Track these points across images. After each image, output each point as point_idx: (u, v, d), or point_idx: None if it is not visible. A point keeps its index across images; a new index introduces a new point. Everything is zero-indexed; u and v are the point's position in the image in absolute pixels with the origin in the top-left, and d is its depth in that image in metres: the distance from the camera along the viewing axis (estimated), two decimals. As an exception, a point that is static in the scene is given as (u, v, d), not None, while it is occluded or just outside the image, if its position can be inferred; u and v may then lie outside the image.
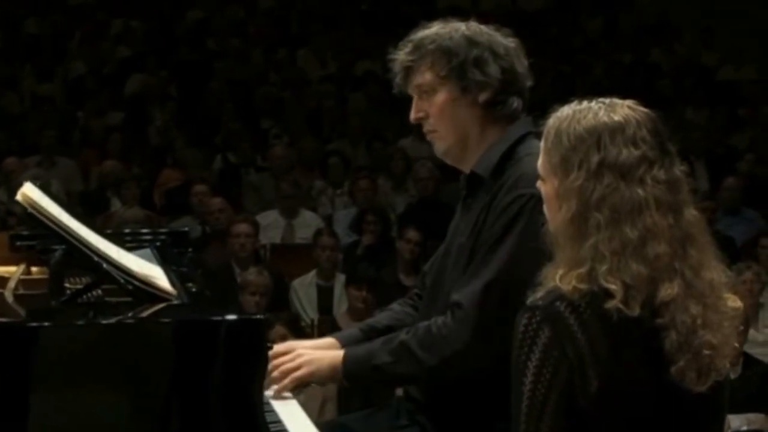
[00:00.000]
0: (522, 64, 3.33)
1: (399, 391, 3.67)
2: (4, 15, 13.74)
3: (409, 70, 3.34)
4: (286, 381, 3.33)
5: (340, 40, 13.98)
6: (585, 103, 2.64)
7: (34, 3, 14.13)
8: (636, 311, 2.48)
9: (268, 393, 3.28)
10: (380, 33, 13.88)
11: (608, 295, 2.49)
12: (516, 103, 3.32)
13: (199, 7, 14.55)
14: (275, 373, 3.33)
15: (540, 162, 2.67)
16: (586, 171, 2.55)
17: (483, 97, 3.29)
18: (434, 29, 3.35)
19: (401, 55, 3.35)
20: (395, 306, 3.65)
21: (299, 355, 3.36)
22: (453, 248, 3.32)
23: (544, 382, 2.50)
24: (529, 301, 2.56)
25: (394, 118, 12.23)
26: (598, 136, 2.57)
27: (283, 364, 3.35)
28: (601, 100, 2.64)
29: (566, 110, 2.64)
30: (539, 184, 2.69)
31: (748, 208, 9.86)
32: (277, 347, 3.40)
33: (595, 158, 2.55)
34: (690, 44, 14.65)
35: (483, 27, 3.35)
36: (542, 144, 2.66)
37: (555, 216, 2.61)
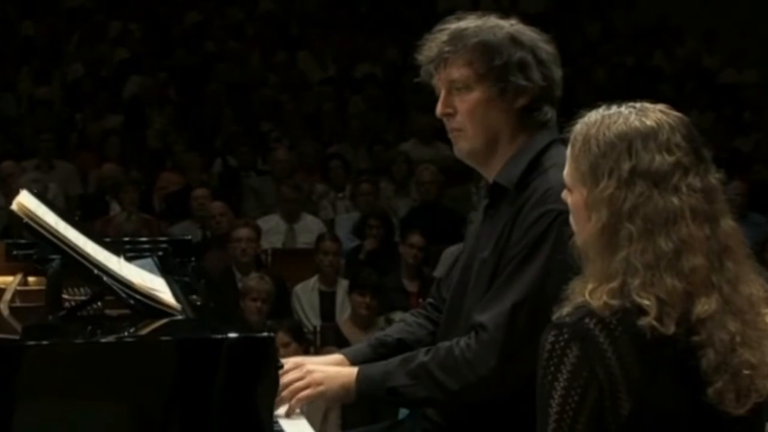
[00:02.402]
0: (558, 73, 3.15)
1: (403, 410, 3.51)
2: (2, 17, 13.65)
3: (443, 62, 3.12)
4: (294, 401, 3.16)
5: (340, 42, 13.90)
6: (614, 108, 2.49)
7: (31, 5, 14.04)
8: (671, 329, 2.34)
9: (278, 411, 3.14)
10: (380, 35, 13.84)
11: (641, 311, 2.35)
12: (550, 113, 3.14)
13: (197, 10, 14.48)
14: (284, 393, 3.15)
15: (566, 170, 2.52)
16: (616, 179, 2.41)
17: (520, 102, 3.11)
18: (474, 21, 3.14)
19: (436, 43, 3.12)
20: (408, 317, 3.48)
21: (309, 372, 3.17)
22: (474, 262, 3.14)
23: (572, 404, 2.36)
24: (556, 317, 2.41)
25: (393, 121, 12.15)
26: (630, 142, 2.43)
27: (291, 382, 3.16)
28: (631, 104, 2.50)
29: (594, 115, 2.50)
30: (565, 194, 2.54)
31: (755, 213, 9.78)
32: (287, 363, 3.21)
33: (626, 165, 2.41)
34: (691, 47, 14.56)
35: (526, 27, 3.16)
36: (569, 151, 2.51)
37: (584, 227, 2.47)
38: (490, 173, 3.18)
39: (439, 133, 3.22)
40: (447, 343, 3.06)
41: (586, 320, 2.37)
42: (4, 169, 10.09)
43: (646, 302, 2.34)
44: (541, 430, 2.40)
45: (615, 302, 2.36)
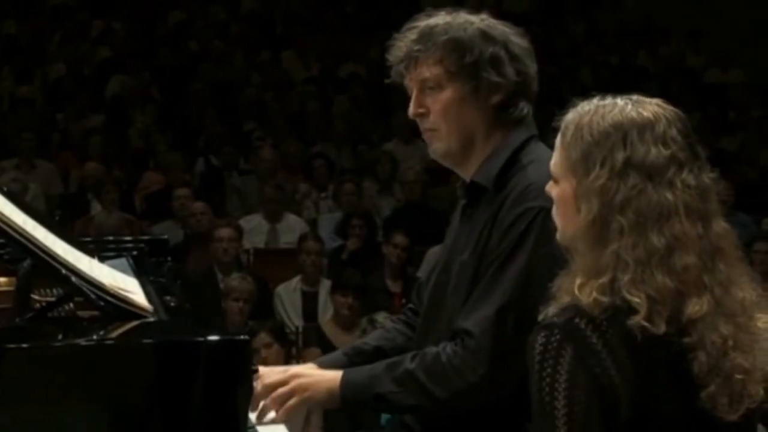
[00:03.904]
0: (533, 68, 3.06)
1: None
2: (-17, 16, 13.57)
3: (413, 61, 3.03)
4: (281, 413, 3.04)
5: (324, 42, 13.83)
6: (609, 98, 2.42)
7: (14, 3, 13.94)
8: (661, 328, 2.27)
9: (253, 417, 3.05)
10: (365, 35, 13.77)
11: (631, 310, 2.28)
12: (526, 108, 3.04)
13: (181, 9, 14.40)
14: (267, 401, 3.04)
15: (555, 160, 2.44)
16: (609, 169, 2.33)
17: (494, 99, 3.01)
18: (444, 18, 3.05)
19: (405, 42, 3.04)
20: (387, 323, 3.39)
21: (293, 377, 3.06)
22: (453, 265, 3.04)
23: (580, 403, 2.27)
24: (542, 318, 2.34)
25: (378, 121, 12.09)
26: (625, 132, 2.35)
27: (274, 386, 3.05)
28: (627, 96, 2.42)
29: (588, 105, 2.42)
30: (550, 186, 2.46)
31: (741, 213, 9.73)
32: (264, 371, 3.12)
33: (620, 156, 2.33)
34: (676, 46, 14.52)
35: (497, 22, 3.07)
36: (558, 140, 2.43)
37: (572, 220, 2.39)
38: (467, 173, 3.09)
39: (422, 133, 3.17)
40: (433, 349, 2.96)
41: (576, 320, 2.30)
42: (-15, 169, 10.02)
43: (636, 300, 2.27)
44: None
45: (604, 299, 2.29)
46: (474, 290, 2.94)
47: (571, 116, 2.42)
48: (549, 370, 2.29)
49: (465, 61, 2.99)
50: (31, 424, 2.57)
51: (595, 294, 2.29)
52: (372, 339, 3.32)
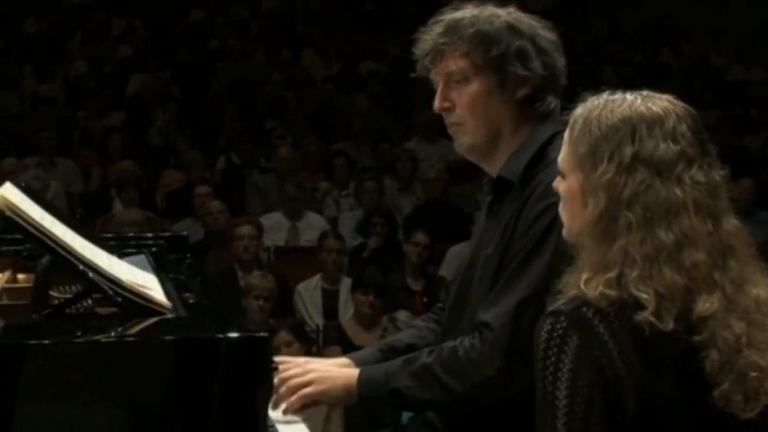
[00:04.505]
0: (561, 61, 3.02)
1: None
2: (4, 14, 13.60)
3: (439, 54, 2.99)
4: (294, 398, 3.01)
5: (344, 40, 13.81)
6: (618, 93, 2.38)
7: (34, 2, 13.96)
8: (669, 325, 2.22)
9: (275, 415, 3.02)
10: (384, 33, 13.75)
11: (639, 305, 2.23)
12: (554, 102, 3.00)
13: (201, 7, 14.41)
14: (283, 389, 3.01)
15: (562, 155, 2.40)
16: (617, 164, 2.29)
17: (521, 93, 2.97)
18: (470, 11, 3.01)
19: (432, 36, 3.00)
20: (418, 322, 3.35)
21: (310, 371, 3.03)
22: (479, 260, 3.01)
23: (582, 395, 2.23)
24: (550, 307, 2.30)
25: (398, 119, 12.06)
26: (633, 127, 2.31)
27: (290, 378, 3.02)
28: (636, 91, 2.38)
29: (596, 100, 2.38)
30: (557, 182, 2.42)
31: (764, 211, 9.67)
32: (284, 359, 3.10)
33: (628, 150, 2.29)
34: (699, 44, 14.45)
35: (524, 15, 3.03)
36: (567, 135, 2.39)
37: (579, 214, 2.35)
38: (493, 168, 3.05)
39: (444, 130, 3.10)
40: (451, 343, 2.93)
41: (584, 309, 2.26)
42: (6, 167, 9.99)
43: (644, 296, 2.23)
44: (545, 426, 2.28)
45: (612, 293, 2.25)
46: (496, 283, 2.91)
47: (579, 110, 2.39)
48: (553, 358, 2.25)
49: (491, 55, 2.96)
50: (49, 421, 2.54)
51: (601, 288, 2.25)
52: (405, 336, 3.29)
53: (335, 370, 3.08)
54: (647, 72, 13.22)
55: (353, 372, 3.02)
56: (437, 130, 10.88)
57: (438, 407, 3.00)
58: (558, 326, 2.26)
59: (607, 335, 2.24)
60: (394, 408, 3.17)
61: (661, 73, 13.32)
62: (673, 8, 14.95)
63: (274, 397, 2.98)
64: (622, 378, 2.23)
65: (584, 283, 2.27)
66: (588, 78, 12.73)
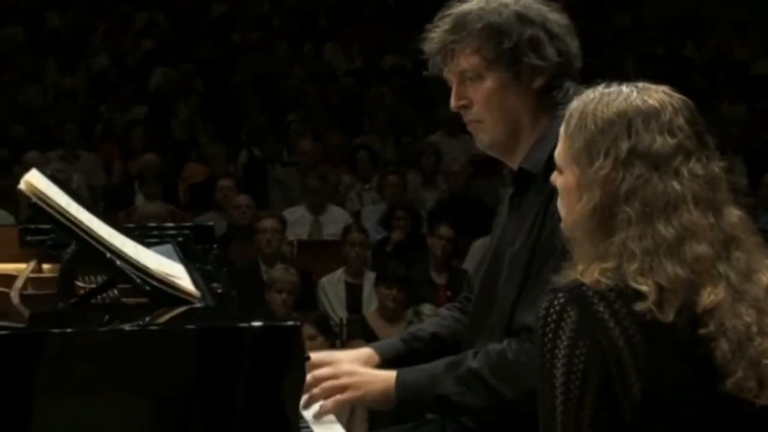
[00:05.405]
0: (575, 44, 2.93)
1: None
2: (27, 8, 13.60)
3: (449, 52, 2.90)
4: (329, 404, 2.93)
5: (367, 33, 13.78)
6: (614, 86, 2.33)
7: (57, -4, 14.00)
8: (669, 317, 2.18)
9: (309, 416, 2.96)
10: (407, 27, 13.69)
11: (637, 295, 2.19)
12: (572, 88, 2.88)
13: (223, 1, 14.39)
14: (316, 390, 2.94)
15: (558, 150, 2.35)
16: (613, 159, 2.25)
17: (537, 83, 2.89)
18: (476, 3, 2.92)
19: (439, 33, 2.91)
20: (443, 311, 3.29)
21: (345, 374, 2.95)
22: (504, 256, 2.92)
23: (578, 372, 2.18)
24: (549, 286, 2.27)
25: (420, 113, 12.03)
26: (629, 120, 2.27)
27: (325, 378, 2.95)
28: (632, 84, 2.33)
29: (592, 93, 2.33)
30: (554, 176, 2.38)
31: (790, 204, 9.61)
32: (316, 357, 3.00)
33: (624, 145, 2.25)
34: (723, 38, 14.36)
35: (532, 1, 2.93)
36: (563, 129, 2.34)
37: (573, 208, 2.30)
38: (515, 161, 2.98)
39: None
40: (497, 346, 2.84)
41: (583, 288, 2.22)
42: (29, 160, 9.97)
43: (644, 287, 2.19)
44: (545, 403, 2.23)
45: (609, 281, 2.20)
46: (527, 282, 2.83)
47: (575, 104, 2.34)
48: (551, 334, 2.21)
49: (503, 48, 2.87)
50: (73, 409, 2.51)
51: (597, 275, 2.22)
52: (428, 326, 3.22)
53: (371, 374, 2.98)
54: (670, 66, 13.16)
55: (390, 375, 2.92)
56: (460, 124, 10.82)
57: (487, 413, 2.89)
58: (556, 302, 2.23)
59: (608, 314, 2.20)
60: (436, 413, 3.07)
61: (684, 67, 13.25)
62: (697, 1, 14.86)
63: (305, 396, 2.90)
64: (624, 357, 2.19)
65: (580, 273, 2.24)
66: (610, 71, 12.63)
